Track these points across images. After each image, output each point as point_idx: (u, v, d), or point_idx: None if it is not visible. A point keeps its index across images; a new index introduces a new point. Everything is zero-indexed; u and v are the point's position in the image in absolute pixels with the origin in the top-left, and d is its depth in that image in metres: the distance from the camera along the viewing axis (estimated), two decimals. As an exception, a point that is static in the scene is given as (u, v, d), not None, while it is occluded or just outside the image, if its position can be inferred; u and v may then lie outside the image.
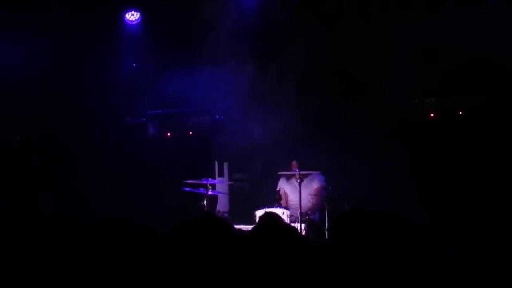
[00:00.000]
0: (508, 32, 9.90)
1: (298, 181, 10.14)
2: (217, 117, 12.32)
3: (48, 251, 4.03)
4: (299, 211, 9.92)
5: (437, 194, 10.56)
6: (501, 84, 10.48)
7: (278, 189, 10.48)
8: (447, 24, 10.18)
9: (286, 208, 10.14)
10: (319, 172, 10.46)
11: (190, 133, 12.57)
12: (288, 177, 10.59)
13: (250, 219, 9.73)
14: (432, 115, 11.60)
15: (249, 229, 7.84)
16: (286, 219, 9.50)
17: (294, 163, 10.44)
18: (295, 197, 10.21)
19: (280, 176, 10.66)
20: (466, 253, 4.45)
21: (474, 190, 10.47)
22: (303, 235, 8.80)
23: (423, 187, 10.61)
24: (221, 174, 12.15)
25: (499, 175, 10.47)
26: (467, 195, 10.44)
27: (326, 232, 9.82)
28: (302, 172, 10.17)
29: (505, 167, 10.48)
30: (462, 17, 10.09)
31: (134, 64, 12.05)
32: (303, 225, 9.81)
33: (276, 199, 10.23)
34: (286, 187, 10.50)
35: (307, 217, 10.06)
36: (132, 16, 12.10)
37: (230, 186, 11.96)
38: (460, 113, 11.36)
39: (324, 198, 10.28)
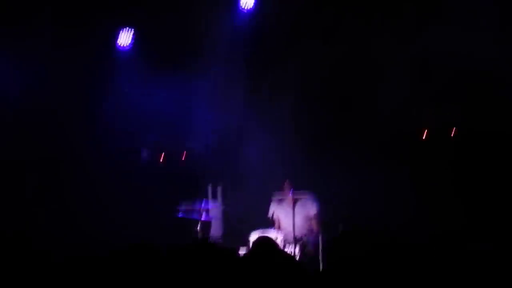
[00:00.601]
0: (498, 47, 9.95)
1: (291, 205, 10.12)
2: (211, 140, 12.30)
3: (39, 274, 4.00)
4: (293, 234, 9.88)
5: (431, 208, 10.56)
6: (493, 97, 10.51)
7: (271, 214, 10.45)
8: (440, 38, 10.23)
9: (280, 230, 10.12)
10: (312, 195, 10.42)
11: (183, 156, 12.53)
12: (280, 201, 10.53)
13: (244, 242, 9.71)
14: (425, 128, 11.59)
15: (243, 252, 7.80)
16: (279, 242, 9.47)
17: (287, 183, 10.39)
18: (288, 221, 10.17)
19: (272, 201, 10.62)
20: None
21: (469, 203, 10.49)
22: (297, 261, 8.77)
23: (418, 202, 10.61)
24: (214, 197, 12.11)
25: (493, 187, 10.49)
26: (462, 208, 10.45)
27: (319, 255, 9.81)
28: (295, 197, 10.14)
29: (498, 178, 10.51)
30: (454, 30, 10.13)
31: (126, 90, 12.00)
32: (297, 248, 9.78)
33: (269, 224, 10.23)
34: (279, 211, 10.46)
35: (301, 241, 10.02)
36: (126, 38, 12.03)
37: (223, 210, 11.92)
38: (453, 126, 11.35)
39: (319, 223, 10.29)
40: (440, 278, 4.41)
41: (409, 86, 10.73)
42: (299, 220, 10.21)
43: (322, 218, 10.38)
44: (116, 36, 12.01)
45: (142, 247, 4.36)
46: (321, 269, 8.90)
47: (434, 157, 11.03)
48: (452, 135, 11.22)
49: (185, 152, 12.53)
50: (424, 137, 11.44)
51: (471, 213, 10.32)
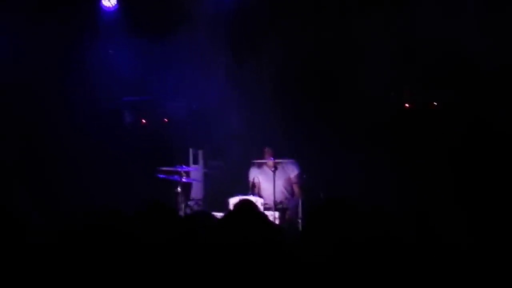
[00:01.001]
0: (484, 28, 9.98)
1: (272, 169, 10.16)
2: (193, 105, 12.31)
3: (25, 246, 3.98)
4: (273, 199, 9.94)
5: (412, 184, 10.62)
6: (475, 77, 10.55)
7: (251, 178, 10.48)
8: (424, 17, 10.24)
9: (260, 196, 10.17)
10: (293, 160, 10.48)
11: (166, 120, 12.54)
12: (261, 165, 10.58)
13: (223, 207, 9.76)
14: (407, 106, 11.67)
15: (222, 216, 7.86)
16: (260, 207, 9.52)
17: (267, 149, 10.43)
18: (268, 186, 10.22)
19: (252, 164, 10.65)
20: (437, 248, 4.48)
21: (449, 181, 10.55)
22: (277, 224, 8.84)
23: (399, 177, 10.67)
24: (196, 162, 12.15)
25: (474, 167, 10.55)
26: (441, 185, 10.51)
27: (299, 221, 9.88)
28: (276, 161, 10.20)
29: (479, 159, 10.56)
30: (439, 10, 10.15)
31: (110, 51, 11.95)
32: (276, 213, 9.84)
33: (250, 188, 10.27)
34: (259, 176, 10.49)
35: (281, 206, 10.10)
36: (109, 2, 11.98)
37: (204, 174, 11.98)
38: (435, 104, 11.42)
39: (300, 187, 10.36)
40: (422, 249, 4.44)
41: (390, 64, 10.77)
42: (279, 184, 10.28)
43: (303, 184, 10.45)
44: (100, 3, 11.96)
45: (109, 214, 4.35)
46: (300, 236, 8.96)
47: (416, 132, 11.09)
48: (434, 113, 11.27)
49: (167, 116, 12.54)
50: (406, 112, 11.52)
51: (450, 191, 10.38)
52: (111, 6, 11.95)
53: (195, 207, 10.53)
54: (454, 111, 10.97)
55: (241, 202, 4.97)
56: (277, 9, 11.35)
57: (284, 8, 11.30)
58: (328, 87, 11.43)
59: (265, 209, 9.74)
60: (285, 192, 10.43)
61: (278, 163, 10.24)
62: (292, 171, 10.47)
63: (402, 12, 10.59)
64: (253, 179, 10.40)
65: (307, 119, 11.36)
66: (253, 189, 10.27)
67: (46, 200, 10.09)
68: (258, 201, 9.73)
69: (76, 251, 3.87)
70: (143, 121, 12.67)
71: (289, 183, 10.47)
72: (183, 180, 10.31)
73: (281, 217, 9.93)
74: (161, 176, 10.31)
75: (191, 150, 12.15)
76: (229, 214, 4.87)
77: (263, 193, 10.38)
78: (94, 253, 3.86)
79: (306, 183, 10.41)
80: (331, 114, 11.33)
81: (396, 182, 10.48)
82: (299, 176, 10.48)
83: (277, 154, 10.32)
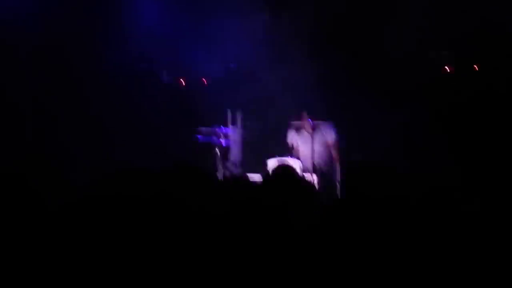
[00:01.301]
0: None
1: (310, 132, 10.14)
2: (231, 65, 12.26)
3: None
4: (311, 162, 9.93)
5: (449, 148, 10.54)
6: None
7: (289, 140, 10.46)
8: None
9: (298, 158, 10.17)
10: (331, 123, 10.43)
11: (204, 80, 12.52)
12: (299, 128, 10.54)
13: (261, 168, 9.77)
14: (447, 68, 11.51)
15: (260, 178, 7.87)
16: (298, 170, 9.51)
17: (304, 113, 10.39)
18: (306, 148, 10.20)
19: (290, 126, 10.62)
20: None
21: (486, 147, 10.45)
22: (316, 190, 8.82)
23: (436, 141, 10.59)
24: (234, 123, 12.14)
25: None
26: (478, 151, 10.43)
27: (337, 184, 9.87)
28: (314, 123, 10.16)
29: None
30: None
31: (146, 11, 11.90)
32: (315, 176, 9.84)
33: (288, 150, 10.26)
34: (297, 138, 10.47)
35: (319, 169, 10.08)
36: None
37: (242, 135, 11.97)
38: (476, 67, 11.25)
39: (338, 150, 10.32)
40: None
41: (429, 25, 10.64)
42: (317, 147, 10.25)
43: (340, 147, 10.42)
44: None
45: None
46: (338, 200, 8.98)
47: (456, 95, 10.96)
48: (475, 76, 11.11)
49: (204, 76, 12.52)
50: (446, 75, 11.37)
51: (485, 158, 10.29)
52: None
53: (233, 169, 10.55)
54: (495, 72, 10.82)
55: (280, 166, 4.95)
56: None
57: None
58: (364, 47, 11.32)
59: (304, 171, 9.73)
60: (324, 155, 10.39)
61: (316, 126, 10.21)
62: (330, 135, 10.42)
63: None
64: (292, 141, 10.39)
65: (343, 81, 11.28)
66: (291, 151, 10.26)
67: (81, 163, 10.19)
68: (296, 163, 9.73)
69: (102, 213, 3.86)
70: (181, 81, 12.65)
71: (327, 147, 10.43)
72: (221, 141, 10.32)
73: (319, 181, 9.92)
74: (199, 137, 10.33)
75: (229, 111, 12.13)
76: (267, 178, 4.86)
77: (301, 155, 10.35)
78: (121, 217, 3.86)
79: (344, 147, 10.37)
80: (368, 74, 11.23)
81: (432, 144, 10.43)
82: (337, 140, 10.43)
83: (315, 117, 10.28)
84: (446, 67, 11.46)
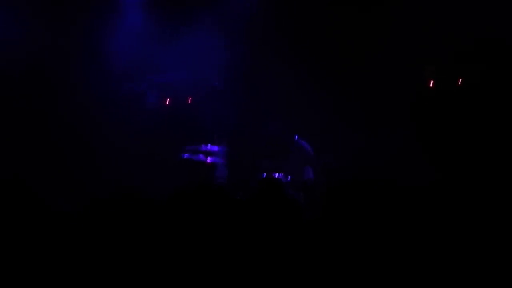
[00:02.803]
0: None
1: (294, 148, 10.17)
2: (216, 84, 12.28)
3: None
4: (300, 178, 9.94)
5: (434, 160, 10.56)
6: (502, 52, 10.44)
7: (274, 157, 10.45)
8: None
9: (284, 174, 10.17)
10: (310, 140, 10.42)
11: (189, 99, 12.52)
12: (283, 145, 10.50)
13: (248, 185, 9.78)
14: (431, 82, 11.54)
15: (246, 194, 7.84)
16: (284, 186, 9.49)
17: (288, 130, 10.40)
18: (294, 165, 10.21)
19: (275, 143, 10.57)
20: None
21: (473, 158, 10.47)
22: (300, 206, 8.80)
23: (421, 154, 10.61)
24: (219, 142, 12.14)
25: (499, 143, 10.46)
26: (465, 162, 10.44)
27: (320, 201, 9.86)
28: (297, 139, 10.19)
29: (504, 134, 10.47)
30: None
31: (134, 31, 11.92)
32: (301, 193, 9.84)
33: (275, 167, 10.27)
34: (281, 155, 10.44)
35: (306, 186, 10.07)
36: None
37: (228, 153, 11.97)
38: (460, 80, 11.28)
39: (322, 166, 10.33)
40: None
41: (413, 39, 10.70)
42: (301, 163, 10.24)
43: (326, 165, 10.42)
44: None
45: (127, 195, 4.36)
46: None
47: (440, 109, 11.00)
48: (459, 89, 11.15)
49: (191, 96, 12.52)
50: (430, 89, 11.40)
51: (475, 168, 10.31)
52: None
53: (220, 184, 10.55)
54: (479, 85, 10.86)
55: (266, 181, 4.95)
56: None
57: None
58: (350, 61, 11.36)
59: (291, 188, 9.73)
60: (311, 172, 10.38)
61: (298, 142, 10.23)
62: (311, 151, 10.39)
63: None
64: (278, 159, 10.41)
65: (327, 96, 11.31)
66: (277, 168, 10.25)
67: (69, 186, 10.11)
68: (282, 179, 9.73)
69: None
70: (167, 101, 12.65)
71: (310, 162, 10.39)
72: (208, 159, 10.32)
73: (306, 197, 9.92)
74: (186, 155, 10.33)
75: (214, 130, 12.13)
76: (254, 194, 4.88)
77: (285, 172, 10.34)
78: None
79: (329, 164, 10.39)
80: (352, 90, 11.26)
81: (417, 157, 10.45)
82: (318, 156, 10.43)
83: (298, 133, 10.29)
84: (430, 81, 11.49)
